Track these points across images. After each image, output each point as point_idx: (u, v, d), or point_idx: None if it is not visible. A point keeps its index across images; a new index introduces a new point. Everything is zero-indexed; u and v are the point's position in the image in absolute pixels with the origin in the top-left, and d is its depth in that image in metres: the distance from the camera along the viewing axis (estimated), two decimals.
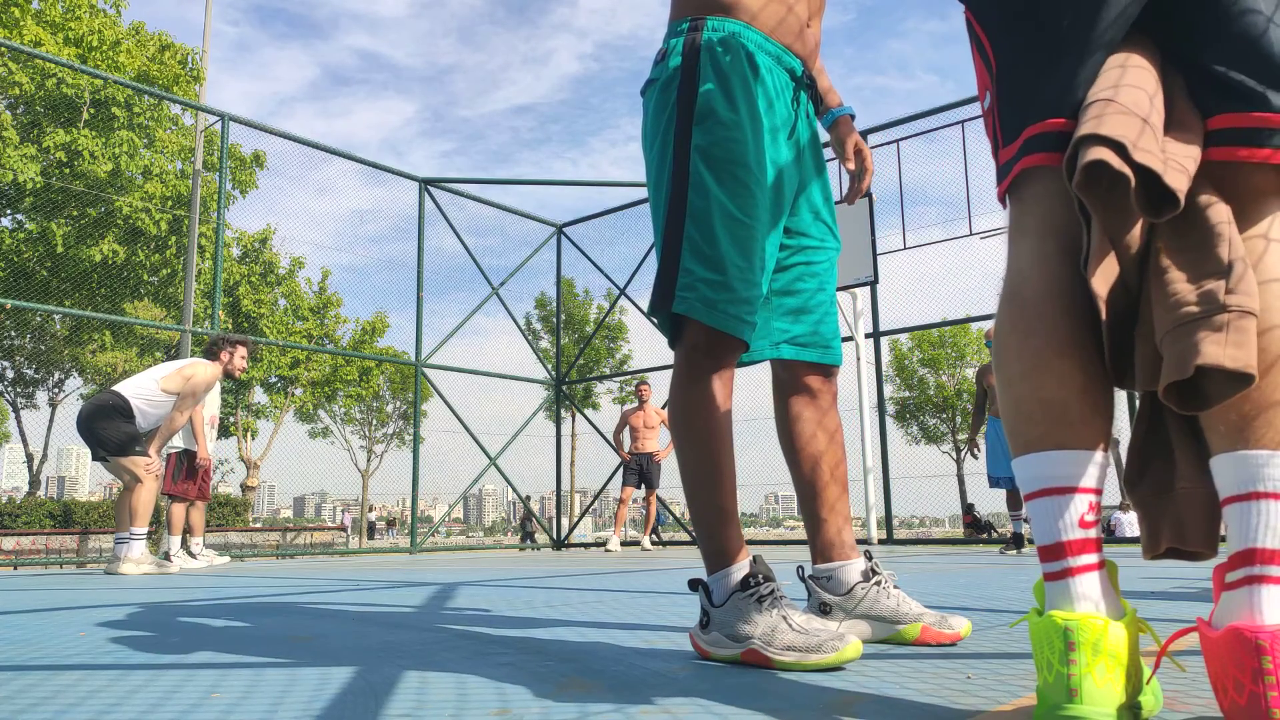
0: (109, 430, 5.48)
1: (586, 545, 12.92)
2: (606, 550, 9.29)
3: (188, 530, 6.82)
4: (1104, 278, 0.99)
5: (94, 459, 5.59)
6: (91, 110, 16.57)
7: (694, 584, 1.58)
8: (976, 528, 22.52)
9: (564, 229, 12.01)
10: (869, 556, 1.74)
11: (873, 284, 8.80)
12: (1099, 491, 0.99)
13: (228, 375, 6.15)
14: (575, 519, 13.40)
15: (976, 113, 8.62)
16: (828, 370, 1.78)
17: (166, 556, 6.30)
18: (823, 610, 1.70)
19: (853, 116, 1.96)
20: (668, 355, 1.92)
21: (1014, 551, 6.88)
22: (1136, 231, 1.02)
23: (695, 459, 1.57)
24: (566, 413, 12.48)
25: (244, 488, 25.23)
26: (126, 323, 15.26)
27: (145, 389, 5.67)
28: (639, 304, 11.15)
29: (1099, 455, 0.98)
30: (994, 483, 6.94)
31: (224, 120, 8.82)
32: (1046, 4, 1.06)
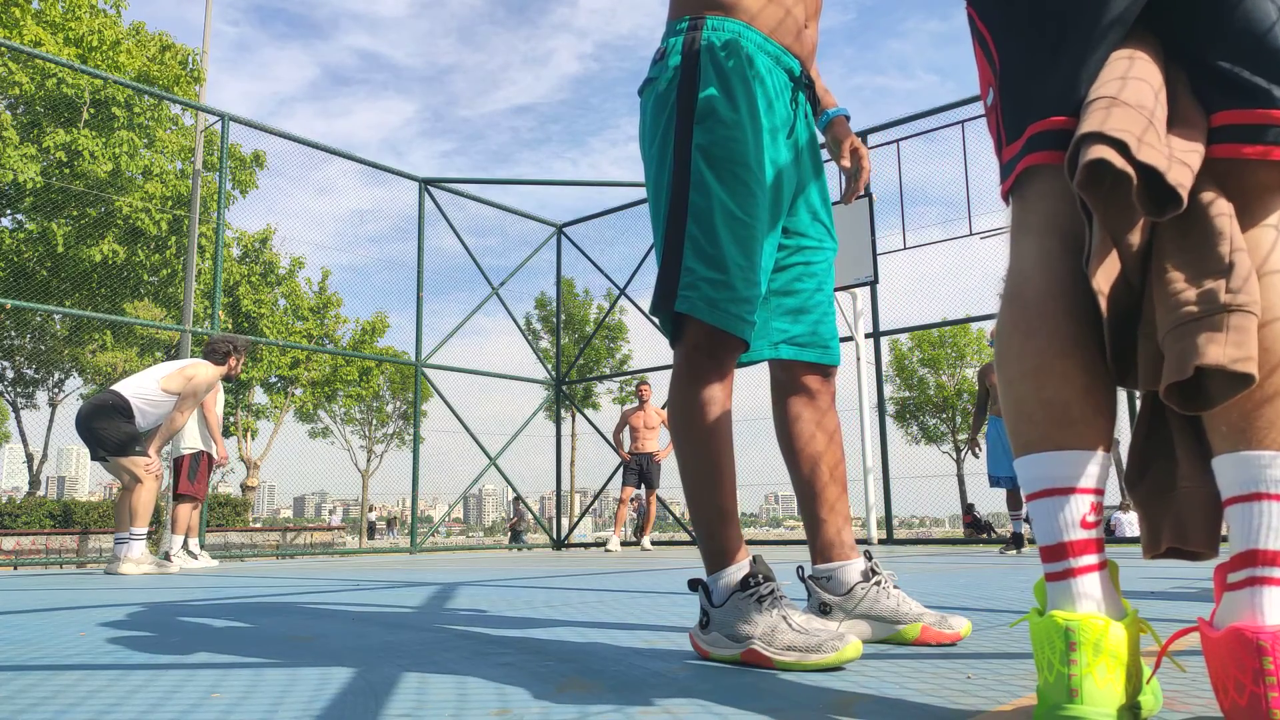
0: (109, 430, 5.47)
1: (586, 545, 12.92)
2: (606, 550, 9.29)
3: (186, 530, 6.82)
4: (1106, 276, 0.99)
5: (93, 459, 5.59)
6: (91, 110, 16.57)
7: (694, 584, 1.58)
8: (976, 528, 22.53)
9: (564, 229, 12.01)
10: (869, 557, 1.74)
11: (873, 284, 8.80)
12: (1101, 492, 0.99)
13: (226, 376, 6.17)
14: (575, 519, 13.40)
15: (976, 113, 8.62)
16: (826, 370, 1.78)
17: (167, 556, 6.33)
18: (823, 610, 1.70)
19: (848, 117, 1.96)
20: (668, 355, 1.92)
21: (1014, 551, 6.88)
22: (1139, 230, 1.01)
23: (695, 459, 1.56)
24: (566, 413, 12.48)
25: (244, 488, 25.23)
26: (126, 323, 15.25)
27: (145, 389, 5.67)
28: (639, 304, 11.15)
29: (1101, 456, 0.98)
30: (995, 482, 6.94)
31: (224, 120, 8.82)
32: (1051, 0, 1.05)
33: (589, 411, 18.04)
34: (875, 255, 8.73)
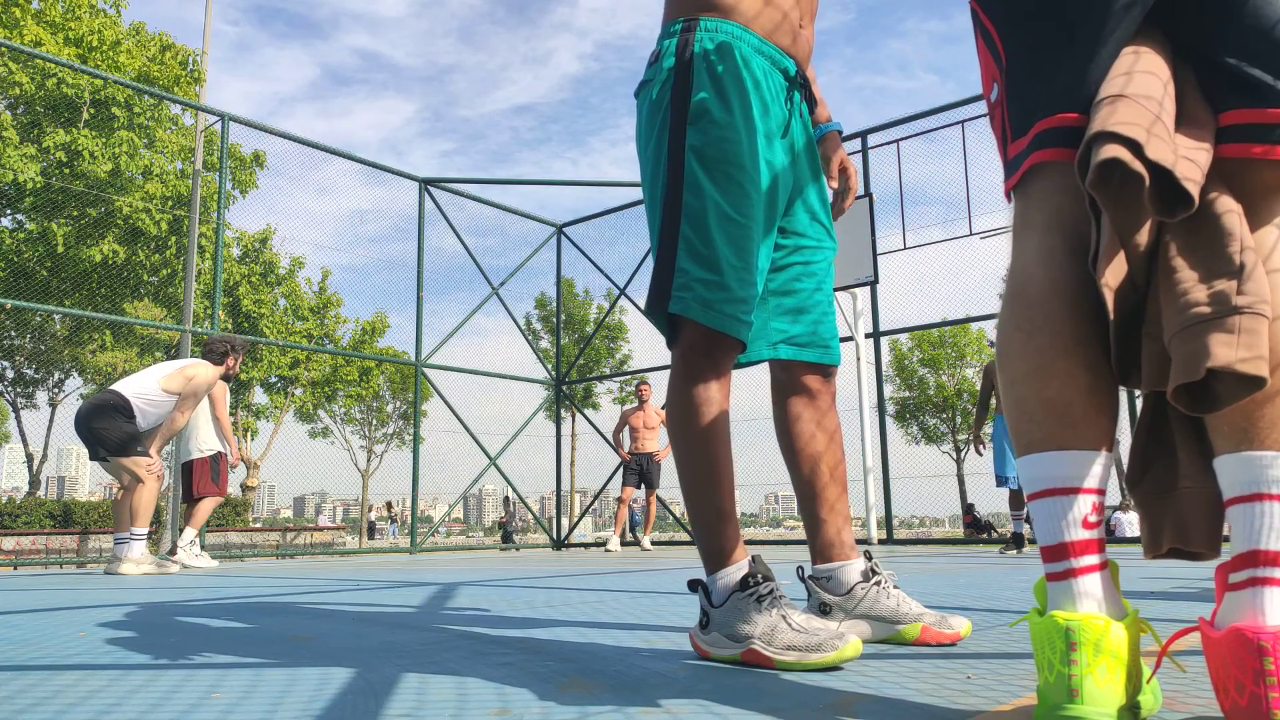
0: (109, 430, 5.47)
1: (586, 545, 12.92)
2: (606, 550, 9.30)
3: (182, 529, 6.83)
4: (1113, 276, 0.98)
5: (92, 459, 5.58)
6: (91, 110, 16.57)
7: (693, 585, 1.58)
8: (976, 528, 22.53)
9: (564, 229, 12.01)
10: (869, 557, 1.74)
11: (873, 284, 8.80)
12: (1102, 492, 0.98)
13: (224, 376, 6.18)
14: (575, 519, 13.40)
15: (976, 113, 8.61)
16: (826, 370, 1.77)
17: (173, 550, 6.38)
18: (823, 610, 1.70)
19: (840, 132, 1.96)
20: (668, 355, 1.93)
21: (1014, 551, 6.88)
22: (1146, 229, 1.00)
23: (693, 459, 1.56)
24: (566, 413, 12.48)
25: (244, 488, 25.22)
26: (126, 323, 15.26)
27: (146, 388, 5.67)
28: (639, 304, 11.15)
29: (1102, 456, 0.97)
30: (1001, 482, 6.93)
31: (224, 120, 8.82)
32: None
33: (589, 411, 18.05)
34: (875, 255, 8.73)
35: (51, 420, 21.11)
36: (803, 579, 1.75)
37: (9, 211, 16.37)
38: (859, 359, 9.24)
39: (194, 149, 14.50)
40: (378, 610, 2.53)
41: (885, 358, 12.77)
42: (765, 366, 1.82)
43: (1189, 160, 0.95)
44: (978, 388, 34.01)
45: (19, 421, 22.67)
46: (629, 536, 10.36)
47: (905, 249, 9.02)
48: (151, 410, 5.66)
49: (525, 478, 11.77)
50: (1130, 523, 13.06)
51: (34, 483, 22.31)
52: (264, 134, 9.39)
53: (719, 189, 1.54)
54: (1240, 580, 0.95)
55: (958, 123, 8.73)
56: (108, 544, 16.32)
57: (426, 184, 10.75)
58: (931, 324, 9.63)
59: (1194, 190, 0.93)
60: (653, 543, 9.60)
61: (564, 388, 12.06)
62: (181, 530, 6.41)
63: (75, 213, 16.84)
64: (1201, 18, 1.01)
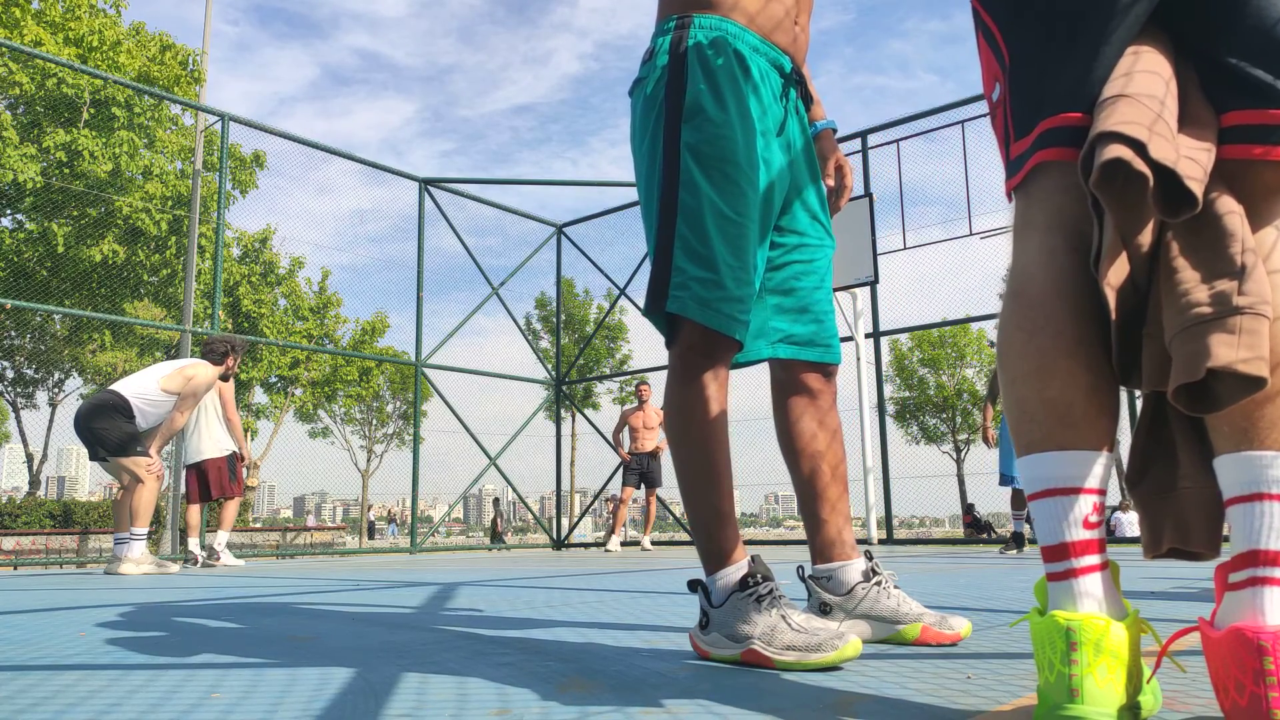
0: (108, 430, 5.47)
1: (586, 545, 12.92)
2: (606, 550, 9.29)
3: (184, 528, 6.84)
4: (1115, 276, 0.98)
5: (92, 459, 5.58)
6: (91, 110, 16.56)
7: (693, 585, 1.58)
8: (976, 528, 22.53)
9: (564, 229, 12.01)
10: (869, 556, 1.74)
11: (873, 284, 8.79)
12: (1103, 492, 0.98)
13: (223, 376, 6.20)
14: (575, 519, 13.40)
15: (976, 113, 8.61)
16: (828, 369, 1.77)
17: (214, 554, 6.57)
18: (823, 610, 1.70)
19: (835, 130, 1.96)
20: (667, 355, 1.92)
21: (1014, 551, 6.87)
22: (1148, 230, 1.00)
23: (691, 459, 1.56)
24: (566, 413, 12.47)
25: (245, 488, 25.19)
26: (126, 323, 15.26)
27: (145, 388, 5.67)
28: (639, 304, 11.15)
29: (1103, 456, 0.97)
30: (1005, 480, 6.93)
31: (224, 120, 8.82)
32: None
33: (589, 411, 18.04)
34: (875, 255, 8.72)
35: (51, 420, 21.12)
36: (803, 579, 1.75)
37: (9, 211, 16.37)
38: (859, 359, 9.24)
39: (194, 149, 14.50)
40: (378, 610, 2.53)
41: (885, 358, 12.77)
42: (764, 366, 1.81)
43: (1191, 160, 0.95)
44: (978, 388, 34.10)
45: (19, 421, 22.67)
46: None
47: (905, 249, 9.02)
48: (151, 410, 5.67)
49: (525, 478, 11.77)
50: (1130, 523, 13.06)
51: (34, 483, 22.31)
52: (264, 134, 9.40)
53: (715, 187, 1.54)
54: (1240, 580, 0.95)
55: (958, 123, 8.73)
56: (108, 544, 16.32)
57: (426, 184, 10.75)
58: (931, 324, 9.63)
59: (1198, 191, 0.93)
60: (653, 543, 9.59)
61: (564, 388, 12.06)
62: (182, 533, 6.45)
63: (75, 213, 16.83)
64: (1204, 17, 1.01)
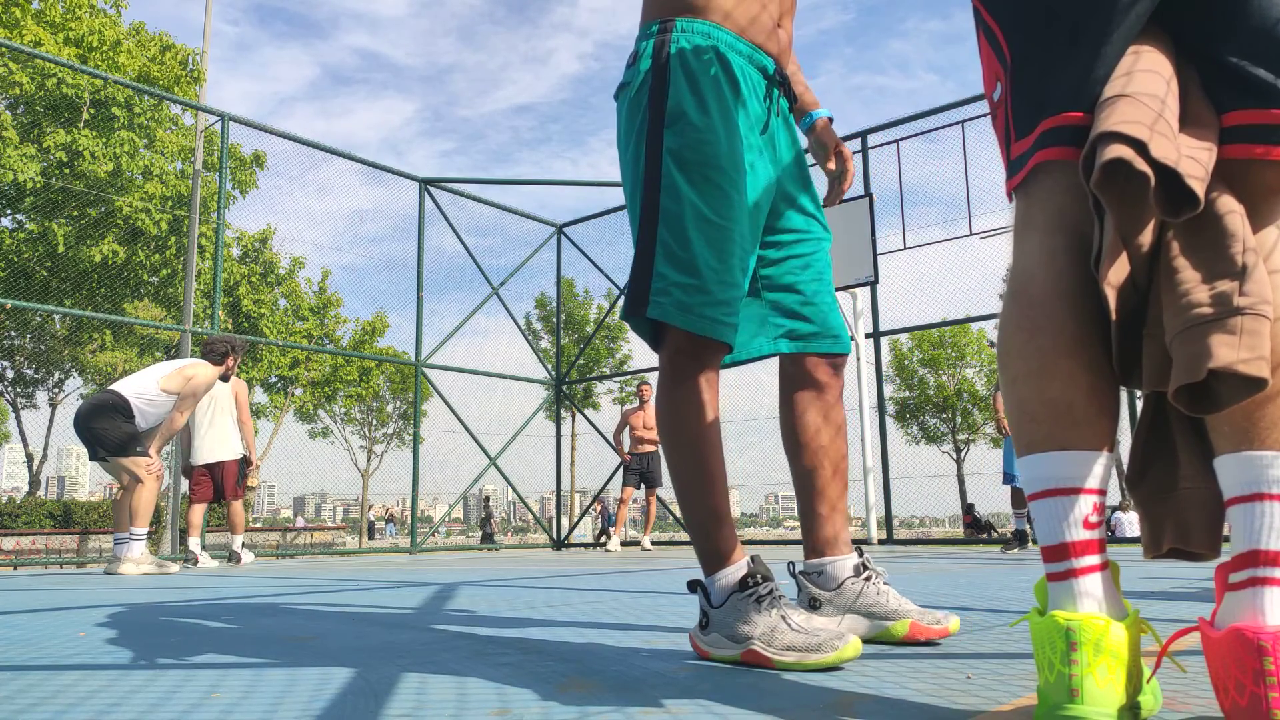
0: (108, 430, 5.47)
1: (587, 545, 12.91)
2: (606, 550, 9.29)
3: (184, 528, 6.85)
4: (1115, 276, 0.98)
5: (92, 459, 5.58)
6: (91, 110, 16.56)
7: (693, 586, 1.58)
8: (976, 528, 22.52)
9: (564, 229, 12.01)
10: (861, 552, 1.74)
11: (873, 284, 8.79)
12: (1103, 492, 0.98)
13: (223, 376, 6.21)
14: (575, 519, 13.40)
15: (976, 112, 8.61)
16: (836, 361, 1.76)
17: (235, 557, 6.75)
18: (812, 605, 1.70)
19: (831, 119, 1.96)
20: None
21: (1016, 549, 6.87)
22: (1149, 230, 1.00)
23: (685, 462, 1.56)
24: (566, 413, 12.48)
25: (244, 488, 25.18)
26: (126, 323, 15.26)
27: (145, 388, 5.67)
28: None
29: (1104, 456, 0.97)
30: (1008, 479, 6.93)
31: (224, 120, 8.82)
32: None
33: (589, 411, 18.04)
34: (875, 255, 8.72)
35: (51, 420, 21.11)
36: (793, 574, 1.75)
37: (9, 211, 16.36)
38: (859, 359, 9.24)
39: (194, 149, 14.50)
40: (377, 610, 2.53)
41: (885, 358, 12.77)
42: (764, 366, 1.81)
43: (1193, 160, 0.95)
44: (978, 388, 34.10)
45: (19, 421, 22.67)
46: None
47: (905, 249, 9.02)
48: (151, 410, 5.67)
49: (525, 478, 11.78)
50: (1130, 523, 13.06)
51: (34, 483, 22.31)
52: (264, 134, 9.40)
53: (696, 191, 1.53)
54: (1240, 580, 0.95)
55: (958, 123, 8.73)
56: (108, 544, 16.31)
57: (426, 184, 10.75)
58: (931, 324, 9.62)
59: (1199, 190, 0.93)
60: (653, 543, 9.59)
61: (564, 388, 12.06)
62: (182, 533, 6.47)
63: (75, 213, 16.83)
64: (1206, 17, 1.00)
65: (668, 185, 1.55)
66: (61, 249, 16.22)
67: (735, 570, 1.50)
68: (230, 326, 20.52)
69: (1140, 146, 0.92)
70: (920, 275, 10.29)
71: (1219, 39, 0.99)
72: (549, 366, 12.09)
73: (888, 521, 8.85)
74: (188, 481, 6.78)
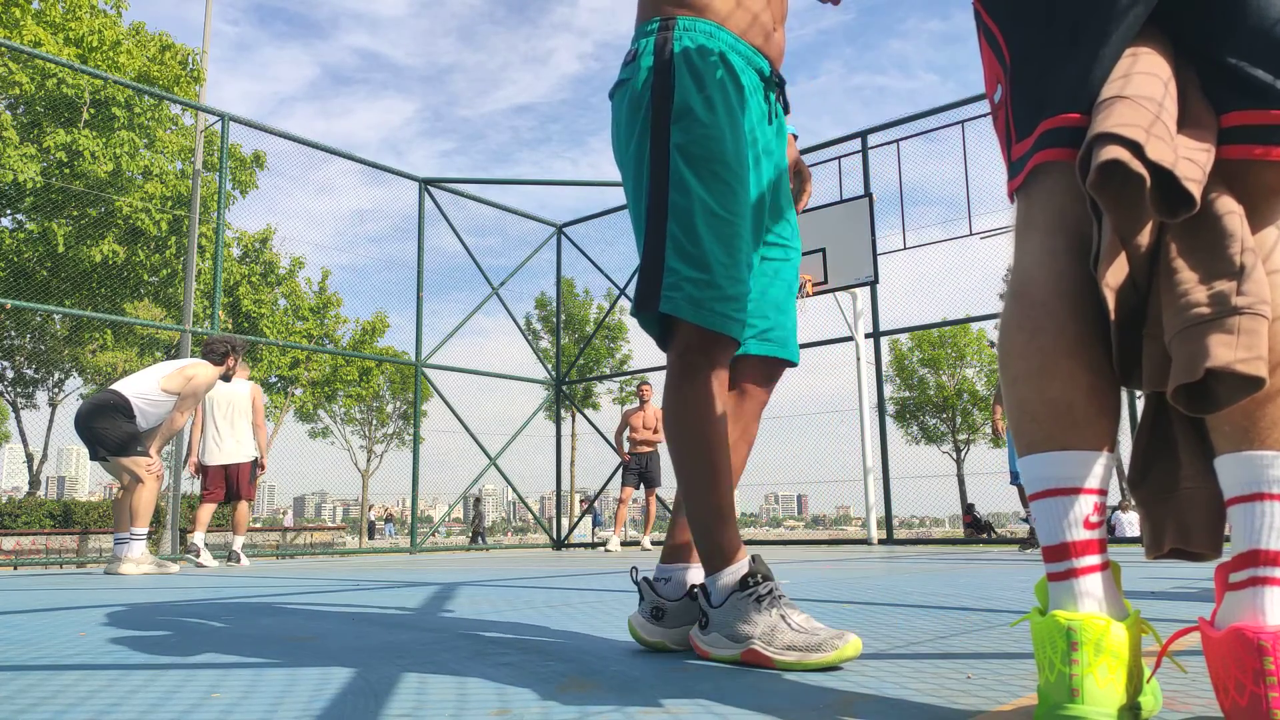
0: (109, 429, 5.47)
1: (587, 545, 12.91)
2: (606, 550, 9.30)
3: (192, 525, 6.87)
4: (1114, 277, 0.98)
5: (92, 459, 5.58)
6: (91, 110, 16.56)
7: (692, 591, 1.58)
8: (976, 528, 22.52)
9: (564, 229, 12.01)
10: (755, 559, 1.71)
11: (873, 284, 8.79)
12: (1104, 492, 0.98)
13: (223, 376, 6.21)
14: (575, 519, 13.40)
15: (976, 112, 8.61)
16: (776, 368, 1.75)
17: (235, 558, 6.78)
18: (654, 616, 1.65)
19: (795, 137, 1.96)
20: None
21: (1034, 549, 6.88)
22: (1147, 230, 1.00)
23: (691, 459, 1.55)
24: (566, 413, 12.48)
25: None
26: (126, 323, 15.25)
27: (146, 388, 5.67)
28: None
29: (1104, 456, 0.97)
30: (1015, 479, 6.93)
31: (224, 120, 8.82)
32: None
33: (589, 411, 18.05)
34: (875, 255, 8.72)
35: (51, 420, 21.10)
36: (636, 581, 1.71)
37: (9, 211, 16.36)
38: (859, 359, 9.24)
39: (194, 149, 14.50)
40: (377, 610, 2.53)
41: (885, 358, 12.77)
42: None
43: (1190, 161, 0.95)
44: (978, 388, 34.09)
45: (19, 421, 22.66)
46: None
47: (905, 249, 9.02)
48: (151, 410, 5.67)
49: (525, 478, 11.78)
50: (1131, 523, 13.06)
51: (34, 483, 22.30)
52: (264, 134, 9.40)
53: (705, 187, 1.53)
54: (1240, 580, 0.95)
55: (958, 123, 8.73)
56: (108, 544, 16.31)
57: (426, 184, 10.75)
58: (931, 324, 9.62)
59: (1195, 191, 0.93)
60: (653, 542, 9.59)
61: (564, 388, 12.06)
62: (182, 532, 6.48)
63: (75, 213, 16.83)
64: (1204, 18, 1.00)
65: (676, 180, 1.54)
66: (61, 249, 16.22)
67: (736, 570, 1.50)
68: (230, 326, 20.51)
69: (1136, 148, 0.92)
70: (920, 275, 10.30)
71: (1218, 40, 0.99)
72: (549, 366, 12.08)
73: (888, 521, 8.85)
74: (201, 480, 6.84)
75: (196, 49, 18.88)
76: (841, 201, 9.11)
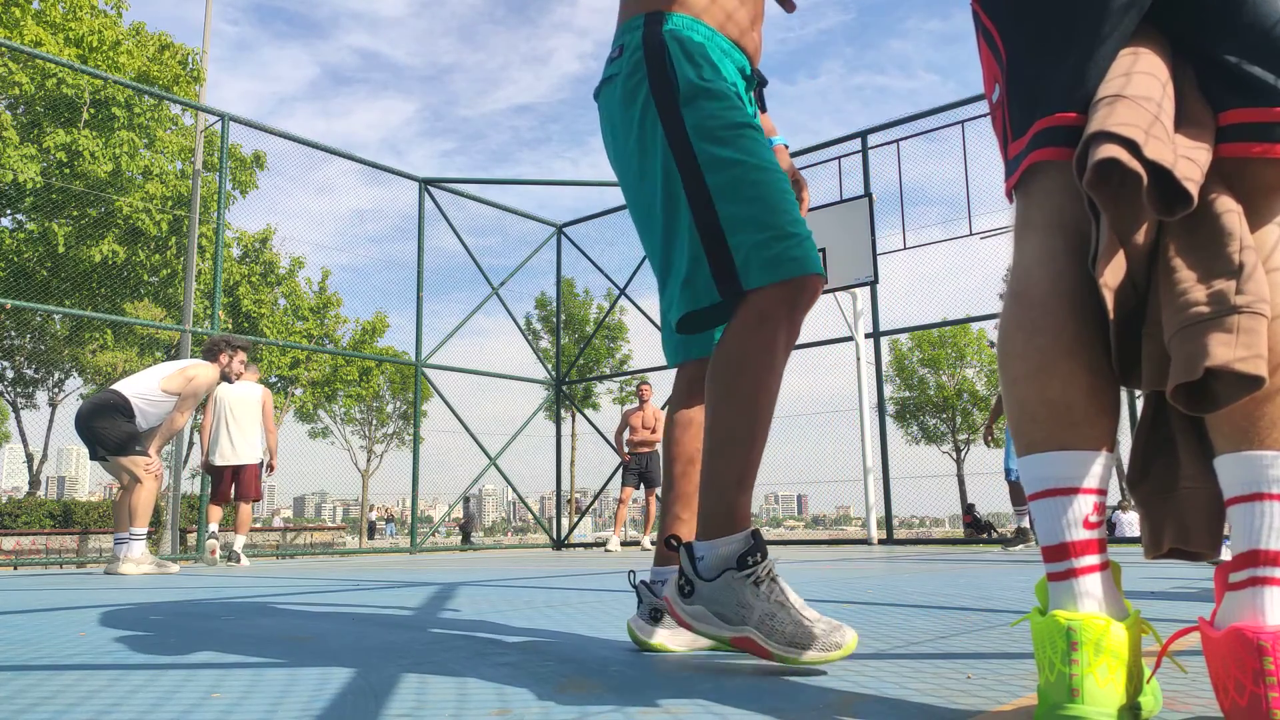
0: (109, 429, 5.47)
1: (587, 545, 12.91)
2: (606, 550, 9.29)
3: (187, 530, 6.87)
4: (1113, 276, 0.98)
5: (92, 458, 5.58)
6: (91, 110, 16.56)
7: (673, 542, 1.52)
8: (977, 528, 22.51)
9: (564, 229, 12.01)
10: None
11: (873, 284, 8.79)
12: (1103, 492, 0.98)
13: (223, 376, 6.21)
14: (575, 519, 13.39)
15: (977, 112, 8.61)
16: None
17: (236, 556, 6.80)
18: (653, 618, 1.65)
19: (786, 146, 1.96)
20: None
21: (1020, 547, 6.88)
22: (1145, 229, 1.00)
23: (736, 408, 1.46)
24: (566, 413, 12.48)
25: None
26: (126, 323, 15.26)
27: (146, 388, 5.67)
28: (639, 304, 11.16)
29: (1104, 456, 0.97)
30: (1009, 474, 6.96)
31: (224, 120, 8.82)
32: None
33: (589, 411, 18.05)
34: (875, 255, 8.72)
35: (51, 420, 21.10)
36: (634, 584, 1.70)
37: (9, 211, 16.36)
38: (859, 359, 9.23)
39: (194, 149, 14.50)
40: (378, 610, 2.53)
41: (885, 358, 12.76)
42: None
43: (1188, 160, 0.95)
44: (978, 388, 34.09)
45: (19, 421, 22.66)
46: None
47: (905, 249, 9.02)
48: (151, 410, 5.67)
49: (525, 478, 11.78)
50: (1130, 522, 13.06)
51: (34, 483, 22.30)
52: (264, 134, 9.40)
53: (736, 150, 1.52)
54: (1240, 580, 0.95)
55: (958, 123, 8.73)
56: (108, 544, 16.31)
57: (426, 184, 10.75)
58: (931, 324, 9.62)
59: (1193, 189, 0.93)
60: (652, 542, 9.59)
61: (564, 388, 12.06)
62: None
63: (75, 213, 16.83)
64: (1202, 16, 1.01)
65: (706, 161, 1.52)
66: (61, 249, 16.22)
67: (736, 541, 1.42)
68: (230, 326, 20.51)
69: (1133, 147, 0.92)
70: (920, 275, 10.30)
71: (1216, 38, 0.99)
72: (549, 366, 12.08)
73: (888, 521, 8.85)
74: (212, 479, 6.89)
75: (196, 49, 18.88)
76: (841, 201, 9.11)
